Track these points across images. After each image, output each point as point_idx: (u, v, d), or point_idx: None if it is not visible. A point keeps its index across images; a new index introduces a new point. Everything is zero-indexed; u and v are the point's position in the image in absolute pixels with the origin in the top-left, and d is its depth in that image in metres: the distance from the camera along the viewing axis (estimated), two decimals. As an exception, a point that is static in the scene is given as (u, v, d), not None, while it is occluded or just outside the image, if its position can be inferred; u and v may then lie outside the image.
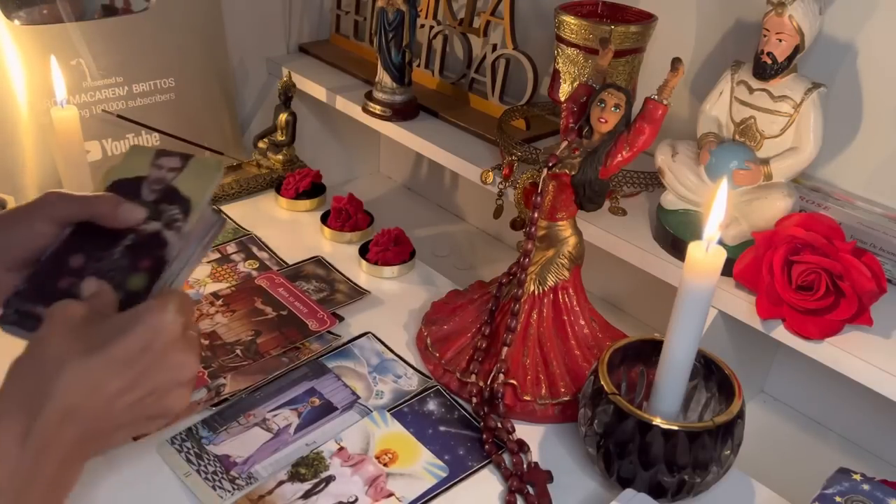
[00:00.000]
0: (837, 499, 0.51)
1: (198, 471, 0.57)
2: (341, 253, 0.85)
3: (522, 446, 0.60)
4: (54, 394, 0.40)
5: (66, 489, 0.43)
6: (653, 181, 0.73)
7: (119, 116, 0.88)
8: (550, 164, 0.60)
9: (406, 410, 0.64)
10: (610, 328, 0.69)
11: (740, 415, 0.55)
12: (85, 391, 0.41)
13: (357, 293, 0.78)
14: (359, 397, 0.65)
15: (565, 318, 0.65)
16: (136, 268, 0.49)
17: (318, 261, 0.83)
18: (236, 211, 0.91)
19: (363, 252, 0.82)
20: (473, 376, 0.64)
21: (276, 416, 0.62)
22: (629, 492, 0.54)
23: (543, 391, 0.63)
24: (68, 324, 0.43)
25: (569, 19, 0.71)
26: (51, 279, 0.49)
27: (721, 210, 0.50)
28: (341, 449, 0.60)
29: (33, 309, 0.48)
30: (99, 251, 0.50)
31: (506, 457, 0.60)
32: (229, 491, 0.56)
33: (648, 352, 0.60)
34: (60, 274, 0.49)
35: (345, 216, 0.87)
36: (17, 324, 0.48)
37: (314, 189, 0.93)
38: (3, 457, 0.39)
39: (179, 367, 0.44)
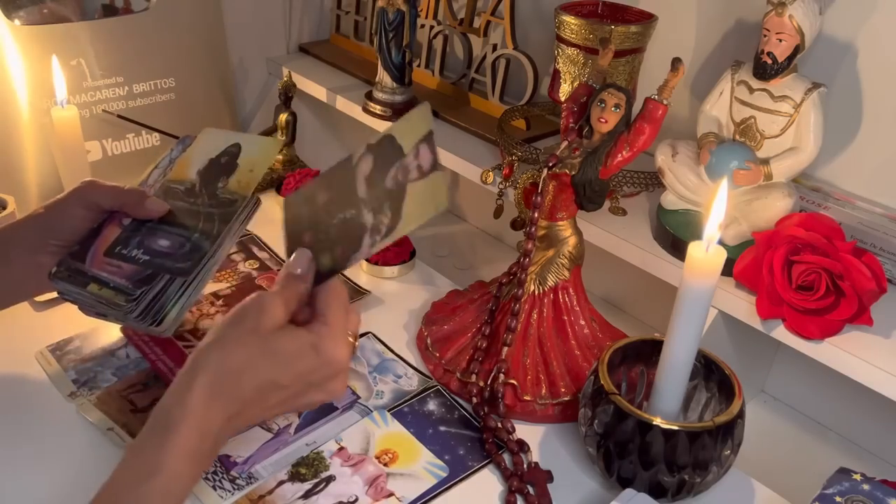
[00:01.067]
0: (837, 499, 0.51)
1: (198, 471, 0.57)
2: (341, 253, 0.84)
3: (522, 446, 0.60)
4: (237, 399, 0.46)
5: (208, 467, 0.49)
6: (653, 181, 0.73)
7: (119, 116, 0.88)
8: (551, 164, 0.60)
9: (406, 410, 0.64)
10: (610, 328, 0.69)
11: (740, 415, 0.55)
12: (255, 400, 0.47)
13: (357, 293, 0.78)
14: (359, 397, 0.65)
15: (565, 317, 0.65)
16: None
17: (319, 261, 0.83)
18: (236, 211, 0.91)
19: (363, 252, 0.82)
20: (473, 376, 0.64)
21: (276, 416, 0.62)
22: (629, 492, 0.54)
23: (543, 391, 0.63)
24: (261, 328, 0.47)
25: (569, 19, 0.71)
26: (86, 251, 0.58)
27: (721, 210, 0.50)
28: (341, 449, 0.60)
29: (81, 267, 0.57)
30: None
31: (506, 457, 0.60)
32: (229, 491, 0.56)
33: (648, 352, 0.60)
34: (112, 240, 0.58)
35: (345, 216, 0.87)
36: (68, 280, 0.57)
37: (314, 189, 0.93)
38: (189, 447, 0.45)
39: (332, 392, 0.50)
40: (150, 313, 0.58)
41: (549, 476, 0.58)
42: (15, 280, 0.59)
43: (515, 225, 0.69)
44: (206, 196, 0.60)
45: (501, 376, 0.63)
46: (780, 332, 0.60)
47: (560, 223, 0.64)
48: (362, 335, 0.72)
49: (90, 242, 0.59)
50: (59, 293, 0.60)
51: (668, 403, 0.55)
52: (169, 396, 0.46)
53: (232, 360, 0.46)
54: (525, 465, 0.59)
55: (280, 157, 0.96)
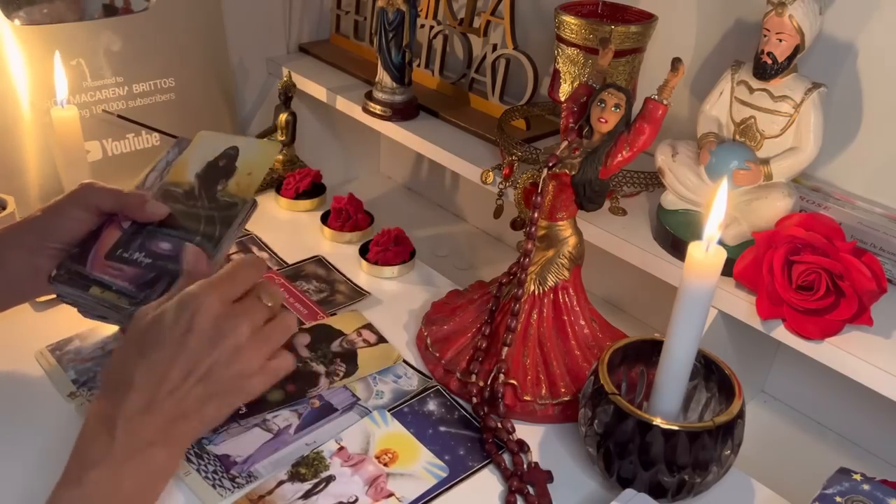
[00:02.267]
0: (837, 499, 0.51)
1: (198, 470, 0.57)
2: (341, 253, 0.84)
3: (522, 446, 0.60)
4: (133, 386, 0.47)
5: (165, 471, 0.49)
6: (653, 181, 0.73)
7: (119, 116, 0.88)
8: (550, 164, 0.60)
9: (406, 410, 0.64)
10: (610, 328, 0.69)
11: (740, 415, 0.55)
12: (155, 382, 0.47)
13: (357, 294, 0.78)
14: (359, 398, 0.65)
15: (565, 318, 0.65)
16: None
17: (319, 260, 0.83)
18: (236, 211, 0.91)
19: (363, 252, 0.82)
20: (473, 376, 0.64)
21: (276, 416, 0.62)
22: (629, 492, 0.54)
23: (543, 391, 0.63)
24: (134, 329, 0.49)
25: (569, 19, 0.71)
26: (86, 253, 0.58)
27: (721, 210, 0.50)
28: (341, 449, 0.60)
29: (81, 270, 0.58)
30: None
31: (506, 457, 0.60)
32: (229, 489, 0.56)
33: (648, 352, 0.60)
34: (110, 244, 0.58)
35: (345, 216, 0.87)
36: (69, 283, 0.57)
37: (314, 189, 0.93)
38: (98, 438, 0.47)
39: (230, 333, 0.48)
40: None
41: (549, 476, 0.58)
42: (11, 282, 0.59)
43: (515, 225, 0.69)
44: (205, 199, 0.61)
45: (501, 376, 0.63)
46: (780, 332, 0.60)
47: (560, 223, 0.64)
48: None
49: (90, 245, 0.59)
50: (58, 296, 0.60)
51: (668, 403, 0.55)
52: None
53: (123, 351, 0.49)
54: (525, 466, 0.59)
55: (280, 157, 0.96)
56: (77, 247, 0.59)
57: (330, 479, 0.57)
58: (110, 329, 0.70)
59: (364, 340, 0.71)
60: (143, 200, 0.59)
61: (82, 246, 0.59)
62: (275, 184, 0.94)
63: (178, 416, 0.48)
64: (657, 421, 0.53)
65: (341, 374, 0.66)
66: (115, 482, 0.46)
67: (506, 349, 0.63)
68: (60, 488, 0.46)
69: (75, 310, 0.69)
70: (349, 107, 0.93)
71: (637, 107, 0.60)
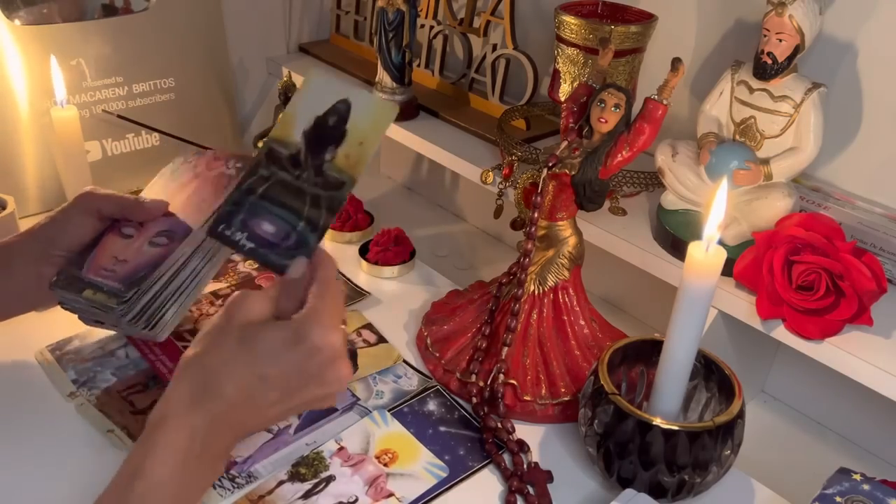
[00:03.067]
0: (837, 499, 0.51)
1: (198, 471, 0.57)
2: (341, 253, 0.84)
3: (522, 446, 0.60)
4: (222, 399, 0.45)
5: (211, 482, 0.48)
6: (653, 181, 0.73)
7: (119, 116, 0.88)
8: (550, 164, 0.60)
9: (406, 410, 0.64)
10: (610, 328, 0.69)
11: (740, 415, 0.55)
12: (245, 401, 0.45)
13: (357, 294, 0.78)
14: (359, 398, 0.65)
15: (565, 318, 0.65)
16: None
17: (318, 261, 0.83)
18: (236, 211, 0.91)
19: (363, 252, 0.82)
20: (473, 376, 0.64)
21: (276, 416, 0.62)
22: (629, 492, 0.54)
23: (543, 391, 0.63)
24: (241, 328, 0.46)
25: (569, 19, 0.71)
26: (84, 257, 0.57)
27: (721, 210, 0.50)
28: (341, 449, 0.60)
29: (78, 273, 0.57)
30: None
31: (506, 457, 0.60)
32: (229, 489, 0.56)
33: (648, 352, 0.60)
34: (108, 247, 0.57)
35: (345, 216, 0.87)
36: (66, 287, 0.56)
37: (314, 189, 0.93)
38: (175, 448, 0.44)
39: (333, 382, 0.47)
40: (143, 317, 0.57)
41: (549, 476, 0.58)
42: (17, 291, 0.60)
43: (515, 225, 0.69)
44: (311, 170, 0.50)
45: (501, 376, 0.63)
46: (780, 332, 0.60)
47: (560, 223, 0.64)
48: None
49: (90, 251, 0.59)
50: (60, 304, 0.60)
51: (668, 403, 0.55)
52: (157, 403, 0.46)
53: (210, 358, 0.46)
54: (525, 466, 0.59)
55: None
56: (79, 253, 0.59)
57: (330, 479, 0.57)
58: (111, 331, 0.70)
59: (364, 340, 0.70)
60: (139, 203, 0.59)
61: (83, 253, 0.59)
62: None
63: (241, 430, 0.48)
64: (657, 421, 0.53)
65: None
66: (174, 496, 0.44)
67: (506, 349, 0.63)
68: (125, 477, 0.44)
69: (75, 310, 0.69)
70: (349, 107, 0.92)
71: (637, 107, 0.60)
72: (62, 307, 0.61)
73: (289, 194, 0.49)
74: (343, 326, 0.49)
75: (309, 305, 0.47)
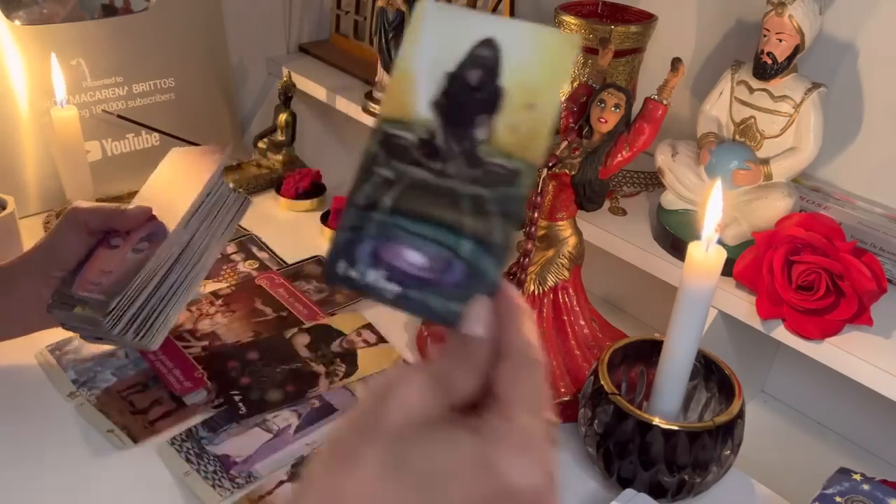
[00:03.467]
0: (837, 499, 0.51)
1: (197, 470, 0.57)
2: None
3: (522, 446, 0.60)
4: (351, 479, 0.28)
5: None
6: (653, 181, 0.73)
7: (119, 116, 0.88)
8: (550, 164, 0.60)
9: (406, 410, 0.64)
10: (610, 328, 0.69)
11: (740, 415, 0.55)
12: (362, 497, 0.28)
13: (357, 295, 0.78)
14: (358, 398, 0.65)
15: (565, 318, 0.65)
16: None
17: (319, 261, 0.83)
18: (236, 211, 0.91)
19: (363, 252, 0.82)
20: (473, 376, 0.64)
21: (275, 416, 0.62)
22: (629, 492, 0.54)
23: (543, 391, 0.63)
24: (393, 430, 0.29)
25: (569, 19, 0.71)
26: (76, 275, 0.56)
27: (715, 211, 0.50)
28: (341, 449, 0.59)
29: (69, 291, 0.55)
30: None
31: (506, 457, 0.59)
32: (229, 489, 0.56)
33: (648, 352, 0.60)
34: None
35: (345, 216, 0.87)
36: (60, 307, 0.56)
37: (314, 189, 0.93)
38: None
39: None
40: (132, 327, 0.57)
41: (549, 476, 0.58)
42: (19, 313, 0.60)
43: (515, 225, 0.69)
44: (461, 159, 0.32)
45: (501, 376, 0.62)
46: (780, 333, 0.60)
47: (560, 223, 0.64)
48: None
49: (81, 267, 0.58)
50: (62, 325, 0.60)
51: (667, 403, 0.55)
52: None
53: (345, 482, 0.28)
54: (525, 466, 0.59)
55: (280, 157, 0.96)
56: (73, 272, 0.58)
57: (330, 479, 0.57)
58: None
59: (364, 341, 0.71)
60: (122, 210, 0.58)
61: (77, 270, 0.58)
62: (273, 184, 0.94)
63: None
64: (657, 421, 0.53)
65: (341, 374, 0.66)
66: None
67: (506, 349, 0.63)
68: None
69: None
70: (349, 107, 0.92)
71: (637, 107, 0.60)
72: (64, 328, 0.61)
73: (434, 201, 0.32)
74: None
75: (507, 403, 0.29)
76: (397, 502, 0.28)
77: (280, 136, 0.95)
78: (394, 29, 0.84)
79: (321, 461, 0.30)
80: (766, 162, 0.63)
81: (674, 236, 0.67)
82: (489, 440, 0.28)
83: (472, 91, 0.32)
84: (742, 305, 0.62)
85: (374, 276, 0.31)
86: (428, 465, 0.28)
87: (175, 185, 0.64)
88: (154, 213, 0.61)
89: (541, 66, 0.33)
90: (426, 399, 0.29)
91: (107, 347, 0.67)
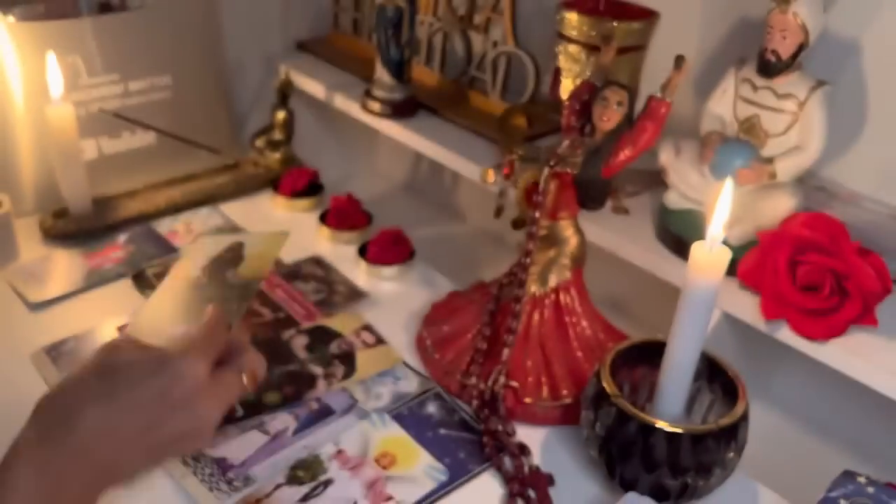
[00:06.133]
0: (842, 501, 0.50)
1: (194, 473, 0.56)
2: (340, 252, 0.84)
3: (523, 449, 0.60)
4: (75, 431, 0.41)
5: None
6: (656, 180, 0.72)
7: (115, 114, 0.87)
8: (552, 163, 0.59)
9: (405, 413, 0.63)
10: (612, 329, 0.69)
11: (744, 417, 0.54)
12: (102, 434, 0.42)
13: (356, 294, 0.77)
14: (357, 400, 0.64)
15: (567, 319, 0.65)
16: None
17: (317, 261, 0.82)
18: (233, 210, 0.90)
19: (362, 252, 0.82)
20: (474, 378, 0.64)
21: (273, 419, 0.61)
22: (632, 495, 0.54)
23: (545, 393, 0.63)
24: (104, 363, 0.44)
25: (571, 16, 0.71)
26: None
27: (725, 211, 0.50)
28: (340, 452, 0.59)
29: None
30: None
31: (506, 460, 0.59)
32: (226, 493, 0.55)
33: (651, 353, 0.59)
34: None
35: (343, 215, 0.86)
36: None
37: (312, 188, 0.92)
38: (19, 485, 0.40)
39: (199, 417, 0.45)
40: None
41: (550, 479, 0.58)
42: None
43: (516, 224, 0.68)
44: (215, 285, 0.55)
45: (502, 378, 0.62)
46: (785, 334, 0.60)
47: (562, 223, 0.63)
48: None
49: None
50: None
51: (671, 406, 0.55)
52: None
53: (65, 395, 0.44)
54: (526, 469, 0.58)
55: (277, 155, 0.95)
56: None
57: (328, 482, 0.56)
58: (107, 332, 0.69)
59: (363, 342, 0.70)
60: None
61: None
62: (272, 182, 0.94)
63: (109, 470, 0.43)
64: (660, 423, 0.52)
65: (339, 375, 0.66)
66: None
67: (506, 351, 0.62)
68: None
69: (71, 311, 0.68)
70: (347, 105, 0.92)
71: (640, 105, 0.59)
72: None
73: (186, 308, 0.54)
74: (241, 375, 0.47)
75: (190, 337, 0.46)
76: (103, 394, 0.43)
77: (277, 135, 0.94)
78: (393, 26, 0.83)
79: (47, 393, 0.44)
80: (770, 161, 0.63)
81: (677, 236, 0.66)
82: (166, 349, 0.45)
83: (226, 261, 0.57)
84: (746, 306, 0.62)
85: None
86: (123, 367, 0.44)
87: None
88: None
89: (266, 247, 0.58)
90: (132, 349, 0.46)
91: (105, 335, 0.66)
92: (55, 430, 0.42)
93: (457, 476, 0.58)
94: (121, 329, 0.69)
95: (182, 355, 0.45)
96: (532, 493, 0.56)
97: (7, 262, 0.77)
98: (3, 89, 0.80)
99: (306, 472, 0.57)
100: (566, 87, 0.75)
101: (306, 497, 0.55)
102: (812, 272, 0.57)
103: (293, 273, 0.80)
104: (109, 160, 0.89)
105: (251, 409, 0.61)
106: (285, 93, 0.93)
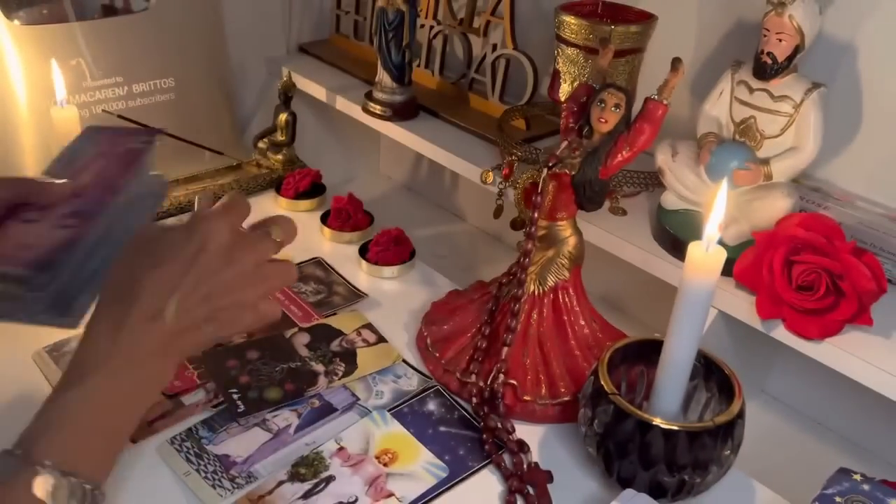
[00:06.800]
0: (837, 499, 0.51)
1: (197, 470, 0.57)
2: (341, 253, 0.84)
3: (522, 446, 0.60)
4: (142, 291, 0.47)
5: (161, 380, 0.49)
6: (653, 181, 0.73)
7: (119, 116, 0.87)
8: (550, 164, 0.60)
9: (406, 410, 0.64)
10: (610, 328, 0.69)
11: (740, 415, 0.55)
12: (165, 289, 0.47)
13: (355, 296, 0.78)
14: (358, 398, 0.65)
15: (565, 318, 0.65)
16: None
17: (318, 262, 0.83)
18: (236, 211, 0.90)
19: (363, 252, 0.82)
20: (473, 376, 0.64)
21: (275, 416, 0.62)
22: (629, 492, 0.54)
23: (543, 391, 0.63)
24: (139, 242, 0.50)
25: (569, 19, 0.71)
26: None
27: (721, 212, 0.50)
28: (341, 449, 0.59)
29: None
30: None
31: (506, 457, 0.60)
32: (229, 490, 0.56)
33: (648, 352, 0.60)
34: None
35: (345, 216, 0.87)
36: None
37: (314, 189, 0.93)
38: (103, 338, 0.46)
39: (237, 260, 0.49)
40: (57, 304, 0.52)
41: (549, 476, 0.58)
42: None
43: (515, 225, 0.69)
44: None
45: (501, 376, 0.63)
46: (780, 333, 0.60)
47: (560, 223, 0.64)
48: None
49: None
50: None
51: (668, 403, 0.55)
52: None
53: (128, 261, 0.49)
54: (525, 466, 0.59)
55: (280, 157, 0.96)
56: None
57: (330, 479, 0.57)
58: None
59: (363, 340, 0.70)
60: (41, 184, 0.55)
61: None
62: (274, 184, 0.94)
63: (180, 329, 0.48)
64: (657, 421, 0.52)
65: (340, 373, 0.66)
66: (113, 387, 0.46)
67: (506, 349, 0.63)
68: (59, 391, 0.46)
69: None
70: (349, 107, 0.92)
71: (637, 107, 0.60)
72: None
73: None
74: (256, 231, 0.51)
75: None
76: (149, 264, 0.48)
77: (280, 136, 0.95)
78: (394, 29, 0.84)
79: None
80: (766, 162, 0.63)
81: (674, 236, 0.67)
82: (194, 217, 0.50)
83: None
84: (742, 305, 0.62)
85: None
86: (161, 239, 0.49)
87: (91, 167, 0.60)
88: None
89: None
90: None
91: None
92: (128, 291, 0.47)
93: (457, 473, 0.58)
94: None
95: (207, 217, 0.49)
96: (531, 490, 0.57)
97: (12, 263, 0.77)
98: (7, 92, 0.81)
99: (308, 468, 0.58)
100: (565, 90, 0.76)
101: (308, 494, 0.56)
102: (807, 272, 0.58)
103: (295, 273, 0.80)
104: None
105: (253, 406, 0.62)
106: (288, 95, 0.93)
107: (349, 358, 0.68)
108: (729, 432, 0.54)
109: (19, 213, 0.54)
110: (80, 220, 0.53)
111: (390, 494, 0.56)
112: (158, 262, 0.48)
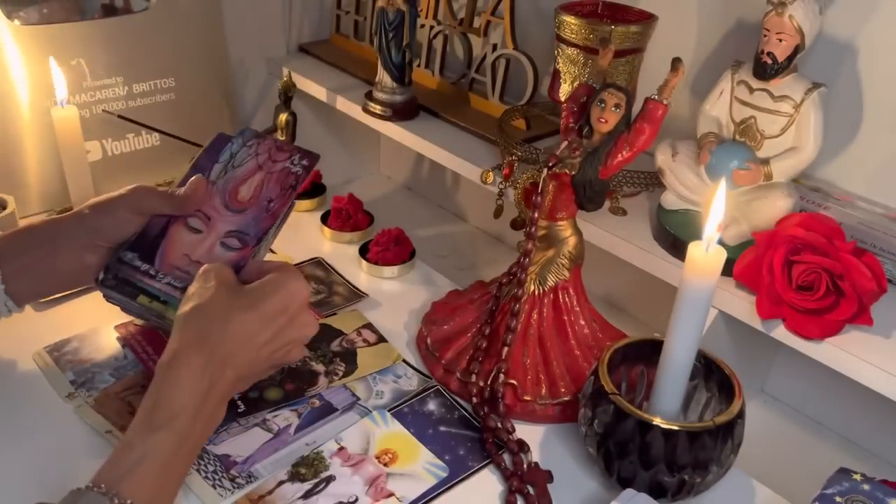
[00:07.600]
0: (837, 499, 0.51)
1: (197, 469, 0.57)
2: (341, 253, 0.84)
3: (523, 446, 0.60)
4: (223, 340, 0.50)
5: (217, 422, 0.52)
6: (653, 181, 0.73)
7: (119, 116, 0.88)
8: (550, 164, 0.60)
9: (406, 410, 0.64)
10: (610, 328, 0.69)
11: (740, 415, 0.55)
12: (243, 341, 0.51)
13: (355, 296, 0.78)
14: (359, 398, 0.65)
15: (565, 318, 0.65)
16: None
17: (319, 262, 0.83)
18: (236, 211, 0.91)
19: (363, 252, 0.82)
20: (473, 376, 0.64)
21: (276, 416, 0.62)
22: (629, 492, 0.54)
23: (543, 391, 0.63)
24: (226, 284, 0.53)
25: (569, 19, 0.71)
26: (152, 251, 0.59)
27: (719, 213, 0.50)
28: (341, 449, 0.60)
29: (131, 277, 0.57)
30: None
31: (506, 457, 0.60)
32: (229, 489, 0.56)
33: (649, 352, 0.60)
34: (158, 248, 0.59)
35: (345, 216, 0.87)
36: (115, 288, 0.57)
37: (314, 189, 0.93)
38: (189, 382, 0.48)
39: (306, 325, 0.55)
40: None
41: (549, 476, 0.58)
42: (61, 273, 0.60)
43: (515, 225, 0.69)
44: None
45: (501, 376, 0.63)
46: (780, 333, 0.60)
47: (560, 223, 0.64)
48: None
49: (143, 245, 0.58)
50: (104, 296, 0.60)
51: (668, 403, 0.55)
52: (164, 351, 0.50)
53: (208, 307, 0.51)
54: (525, 466, 0.59)
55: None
56: (128, 248, 0.58)
57: (330, 479, 0.57)
58: (109, 332, 0.70)
59: (364, 340, 0.71)
60: (187, 197, 0.60)
61: (134, 247, 0.58)
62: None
63: (242, 377, 0.52)
64: (657, 421, 0.53)
65: (340, 373, 0.66)
66: (197, 430, 0.49)
67: (506, 349, 0.63)
68: (143, 431, 0.47)
69: (74, 311, 0.69)
70: (349, 107, 0.92)
71: (637, 107, 0.60)
72: (106, 300, 0.61)
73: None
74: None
75: (278, 265, 0.55)
76: (242, 308, 0.51)
77: (280, 137, 0.95)
78: (394, 29, 0.84)
79: (188, 306, 0.51)
80: (766, 162, 0.63)
81: (674, 236, 0.67)
82: (280, 273, 0.55)
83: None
84: (742, 305, 0.62)
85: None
86: (252, 288, 0.53)
87: (251, 179, 0.64)
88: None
89: None
90: (232, 273, 0.55)
91: (108, 350, 0.67)
92: (209, 338, 0.49)
93: (457, 473, 0.58)
94: (118, 328, 0.70)
95: (296, 276, 0.54)
96: (531, 490, 0.57)
97: (12, 263, 0.77)
98: (8, 92, 0.81)
99: (308, 468, 0.58)
100: (565, 90, 0.76)
101: (308, 493, 0.56)
102: (807, 272, 0.58)
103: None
104: (114, 161, 0.89)
105: (253, 406, 0.62)
106: (288, 95, 0.93)
107: (349, 358, 0.68)
108: (729, 432, 0.54)
109: (185, 219, 0.60)
110: (242, 242, 0.59)
111: (390, 494, 0.56)
112: (250, 306, 0.51)
